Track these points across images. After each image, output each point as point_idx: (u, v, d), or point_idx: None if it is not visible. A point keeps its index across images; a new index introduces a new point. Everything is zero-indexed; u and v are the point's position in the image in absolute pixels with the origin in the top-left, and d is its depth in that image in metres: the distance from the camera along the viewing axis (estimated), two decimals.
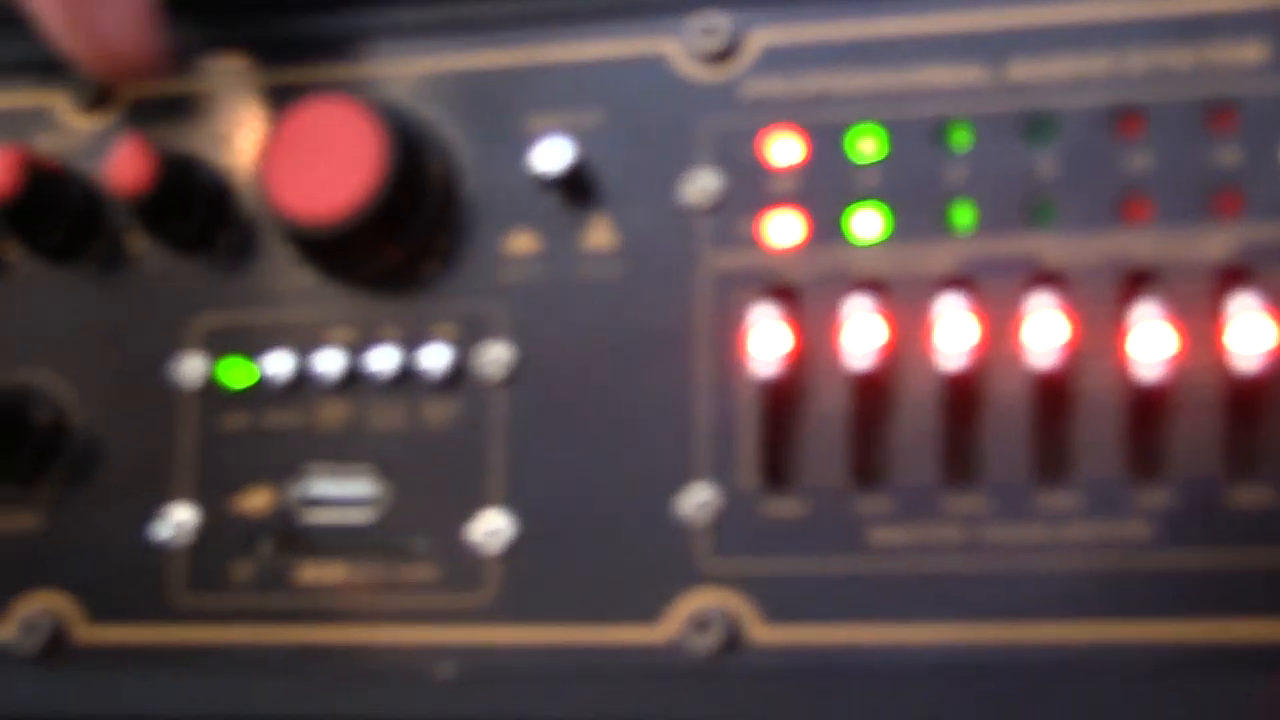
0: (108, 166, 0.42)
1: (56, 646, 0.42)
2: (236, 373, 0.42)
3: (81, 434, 0.43)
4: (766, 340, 0.39)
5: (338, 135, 0.40)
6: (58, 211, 0.43)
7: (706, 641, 0.38)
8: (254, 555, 0.41)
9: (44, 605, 0.42)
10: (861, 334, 0.38)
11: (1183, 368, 0.37)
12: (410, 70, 0.43)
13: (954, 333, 0.38)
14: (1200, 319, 0.37)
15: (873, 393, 0.39)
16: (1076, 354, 0.38)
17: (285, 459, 0.42)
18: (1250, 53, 0.39)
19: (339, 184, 0.40)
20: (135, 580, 0.42)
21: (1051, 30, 0.40)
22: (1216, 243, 0.38)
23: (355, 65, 0.43)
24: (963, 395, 0.38)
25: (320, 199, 0.40)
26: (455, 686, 0.40)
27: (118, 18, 0.40)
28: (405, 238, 0.41)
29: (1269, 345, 0.36)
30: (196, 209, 0.42)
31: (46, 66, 0.44)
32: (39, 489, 0.42)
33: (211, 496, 0.42)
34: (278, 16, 0.44)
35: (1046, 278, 0.38)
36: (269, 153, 0.41)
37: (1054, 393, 0.38)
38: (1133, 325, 0.37)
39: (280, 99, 0.43)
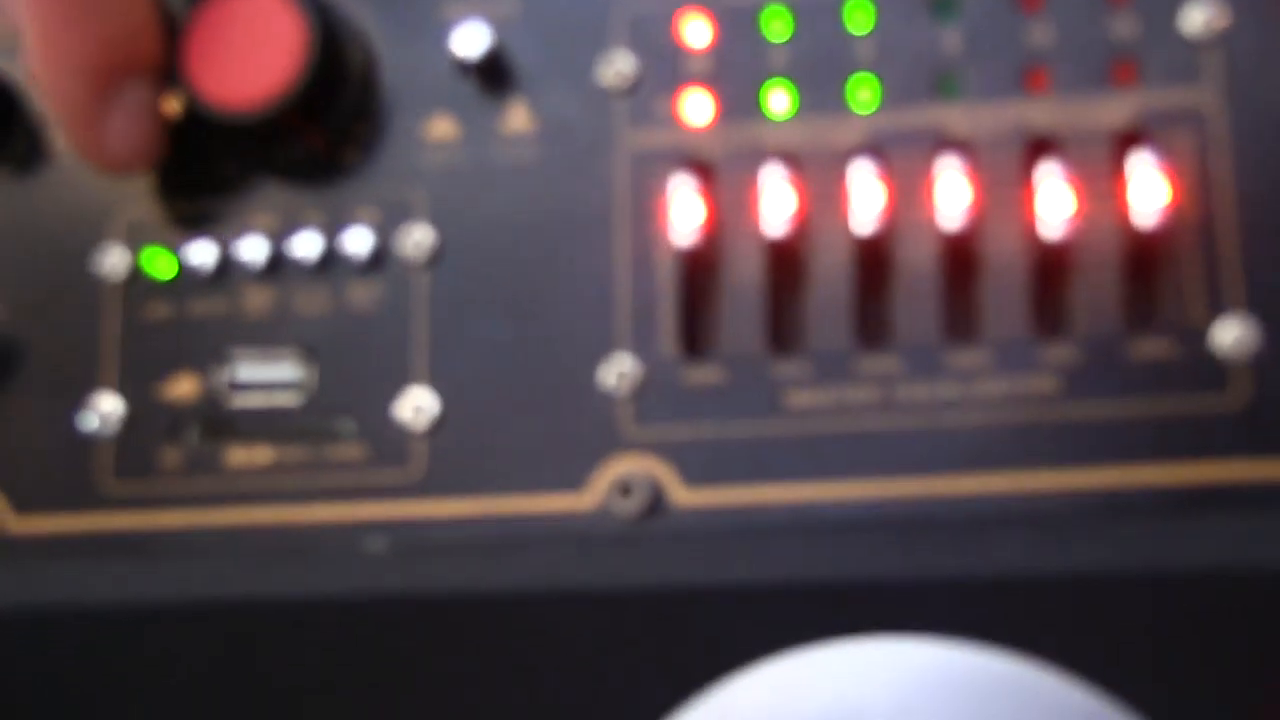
0: None
1: None
2: (159, 263, 0.43)
3: (6, 329, 0.43)
4: (683, 213, 0.40)
5: (257, 24, 0.41)
6: None
7: (630, 506, 0.39)
8: (181, 441, 0.42)
9: None
10: (774, 204, 0.39)
11: (1083, 228, 0.39)
12: None
13: (863, 200, 0.39)
14: (1099, 181, 0.39)
15: (786, 262, 0.40)
16: (982, 218, 0.39)
17: (210, 346, 0.42)
18: None
19: (260, 72, 0.41)
20: (63, 471, 0.42)
21: None
22: (1114, 109, 0.39)
23: None
24: (873, 261, 0.39)
25: (242, 87, 0.41)
26: (387, 560, 0.40)
27: (127, 126, 0.41)
28: (326, 124, 0.42)
29: (1163, 203, 0.38)
30: None
31: None
32: None
33: (137, 386, 0.42)
34: None
35: (952, 146, 0.40)
36: (188, 43, 0.41)
37: (961, 256, 0.39)
38: (1035, 188, 0.39)
39: None
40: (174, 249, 0.43)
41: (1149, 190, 0.38)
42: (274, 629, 0.41)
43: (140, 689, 0.42)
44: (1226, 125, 0.39)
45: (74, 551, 0.42)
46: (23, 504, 0.42)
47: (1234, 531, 0.37)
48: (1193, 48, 0.39)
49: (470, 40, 0.41)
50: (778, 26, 0.41)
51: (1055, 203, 0.38)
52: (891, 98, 0.40)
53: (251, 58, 0.41)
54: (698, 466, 0.40)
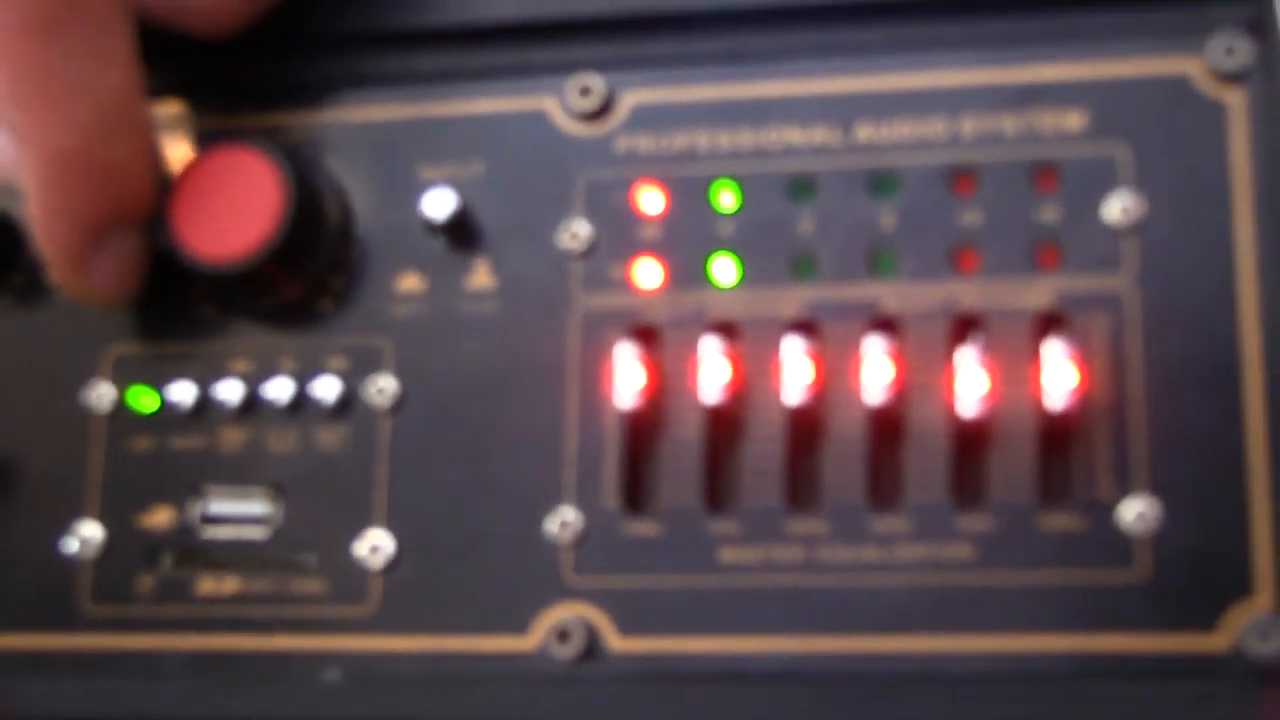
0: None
1: None
2: (143, 399, 0.46)
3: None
4: (627, 377, 0.42)
5: (240, 181, 0.44)
6: None
7: (567, 651, 0.42)
8: (156, 568, 0.45)
9: None
10: (712, 372, 0.42)
11: (1000, 406, 0.41)
12: (313, 120, 0.46)
13: (794, 372, 0.41)
14: (1019, 361, 0.41)
15: (723, 425, 0.42)
16: (906, 392, 0.42)
17: (187, 479, 0.45)
18: (1072, 120, 0.43)
19: (241, 226, 0.44)
20: (45, 592, 0.45)
21: (894, 95, 0.44)
22: (1037, 291, 0.42)
23: (262, 115, 0.47)
24: (803, 428, 0.42)
25: (224, 240, 0.44)
26: (341, 691, 0.43)
27: (111, 270, 0.44)
28: (303, 276, 0.45)
29: (1073, 386, 0.40)
30: None
31: None
32: None
33: (117, 513, 0.45)
34: (204, 66, 0.47)
35: (883, 322, 0.42)
36: (175, 197, 0.44)
37: (885, 428, 0.41)
38: (956, 367, 0.41)
39: (198, 144, 0.46)
40: (156, 386, 0.46)
41: (1061, 373, 0.40)
42: None
43: None
44: (1140, 310, 0.41)
45: (50, 669, 0.44)
46: (7, 623, 0.45)
47: (1137, 700, 0.39)
48: (1113, 235, 0.42)
49: (439, 203, 0.44)
50: (727, 199, 0.44)
51: (974, 382, 0.41)
52: (830, 272, 0.43)
53: (233, 213, 0.44)
54: (633, 615, 0.42)
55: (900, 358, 0.41)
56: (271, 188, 0.44)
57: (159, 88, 0.46)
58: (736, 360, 0.42)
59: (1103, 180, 0.42)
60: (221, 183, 0.44)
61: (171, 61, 0.46)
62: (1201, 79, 0.42)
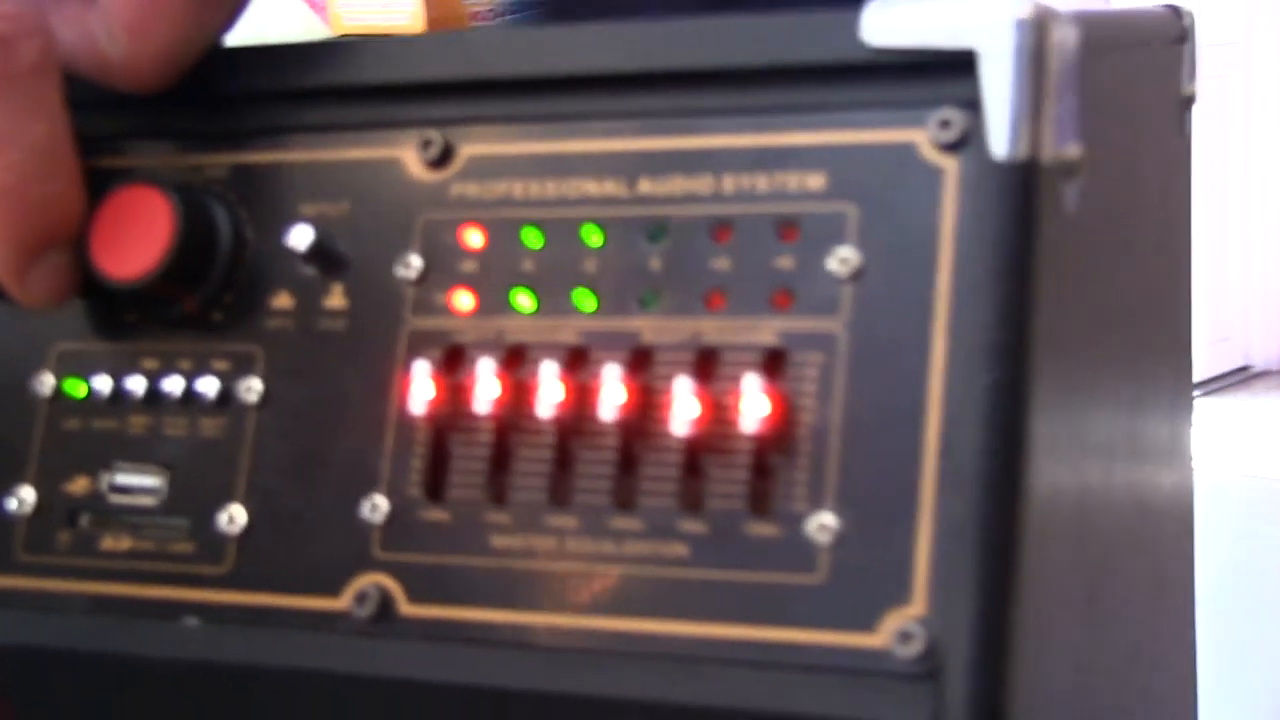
0: None
1: None
2: (77, 387, 0.56)
3: None
4: (421, 388, 0.51)
5: (143, 213, 0.54)
6: None
7: (364, 612, 0.50)
8: (74, 527, 0.55)
9: None
10: (488, 388, 0.50)
11: (717, 428, 0.48)
12: (221, 162, 0.56)
13: (550, 391, 0.49)
14: (738, 390, 0.48)
15: (503, 432, 0.50)
16: (649, 412, 0.49)
17: (102, 455, 0.55)
18: (814, 180, 0.49)
19: (142, 251, 0.53)
20: None
21: (671, 154, 0.51)
22: (766, 330, 0.48)
23: (180, 157, 0.57)
24: (565, 438, 0.49)
25: (129, 263, 0.53)
26: (198, 634, 0.52)
27: (43, 281, 0.54)
28: (197, 292, 0.54)
29: (767, 414, 0.47)
30: None
31: None
32: None
33: (48, 481, 0.55)
34: (131, 114, 0.57)
35: (640, 351, 0.49)
36: (94, 223, 0.54)
37: (628, 442, 0.49)
38: (684, 392, 0.48)
39: (108, 181, 0.56)
40: (86, 377, 0.56)
41: (756, 403, 0.47)
42: (119, 679, 0.54)
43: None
44: (848, 350, 0.47)
45: None
46: None
47: (807, 686, 0.46)
48: (835, 283, 0.48)
49: (300, 236, 0.53)
50: (532, 240, 0.52)
51: (689, 406, 0.48)
52: (607, 305, 0.50)
53: (137, 239, 0.54)
54: (422, 587, 0.50)
55: (638, 383, 0.49)
56: (165, 220, 0.53)
57: (92, 131, 0.56)
58: (506, 379, 0.50)
59: (833, 234, 0.48)
60: (130, 214, 0.54)
61: (103, 109, 0.56)
62: (924, 147, 0.48)
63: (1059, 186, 0.48)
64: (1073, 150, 0.49)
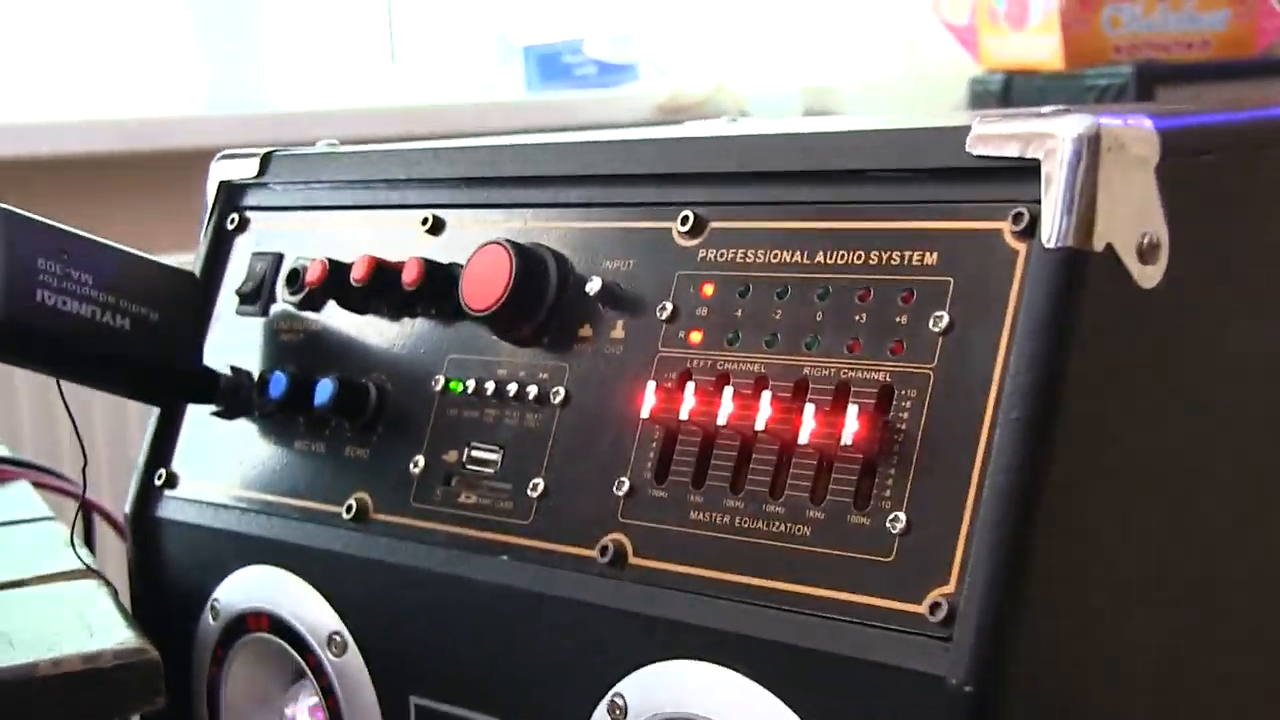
0: None
1: None
2: (457, 386, 0.78)
3: None
4: (664, 400, 0.69)
5: (493, 265, 0.75)
6: None
7: (606, 559, 0.70)
8: (447, 486, 0.77)
9: None
10: (698, 402, 0.68)
11: (836, 442, 0.64)
12: (547, 226, 0.77)
13: (732, 408, 0.67)
14: (859, 414, 0.64)
15: (707, 436, 0.68)
16: (797, 427, 0.65)
17: (467, 435, 0.77)
18: (929, 258, 0.64)
19: (489, 292, 0.75)
20: None
21: (837, 233, 0.67)
22: (885, 371, 0.64)
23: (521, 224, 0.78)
24: (744, 444, 0.67)
25: (481, 299, 0.75)
26: (509, 566, 0.73)
27: None
28: (531, 321, 0.75)
29: (876, 434, 0.62)
30: None
31: None
32: None
33: (433, 451, 0.78)
34: None
35: (801, 382, 0.66)
36: (463, 274, 0.76)
37: (782, 449, 0.65)
38: (817, 414, 0.64)
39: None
40: (462, 379, 0.78)
41: (874, 425, 0.63)
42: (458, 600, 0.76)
43: None
44: (933, 389, 0.62)
45: None
46: None
47: (877, 637, 0.61)
48: (934, 336, 0.63)
49: (595, 285, 0.73)
50: (742, 292, 0.69)
51: (827, 425, 0.64)
52: (784, 345, 0.67)
53: (489, 283, 0.75)
54: (645, 544, 0.69)
55: (794, 405, 0.65)
56: (506, 271, 0.75)
57: None
58: (709, 397, 0.68)
59: (937, 299, 0.63)
60: (486, 265, 0.76)
61: None
62: (1006, 234, 0.62)
63: (1124, 267, 0.61)
64: (1148, 237, 0.61)
